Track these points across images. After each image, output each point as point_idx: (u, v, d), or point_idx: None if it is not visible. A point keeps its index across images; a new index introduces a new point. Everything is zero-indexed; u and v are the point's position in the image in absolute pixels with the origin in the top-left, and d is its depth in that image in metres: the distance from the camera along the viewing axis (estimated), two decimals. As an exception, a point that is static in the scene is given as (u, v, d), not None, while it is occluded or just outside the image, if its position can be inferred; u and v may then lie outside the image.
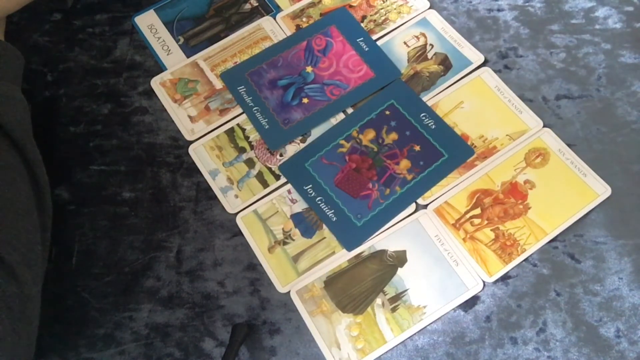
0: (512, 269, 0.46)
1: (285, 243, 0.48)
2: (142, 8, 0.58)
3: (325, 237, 0.48)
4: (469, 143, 0.50)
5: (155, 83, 0.54)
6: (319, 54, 0.54)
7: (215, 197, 0.49)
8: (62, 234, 0.48)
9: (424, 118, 0.51)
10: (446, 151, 0.50)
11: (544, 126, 0.50)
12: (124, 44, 0.56)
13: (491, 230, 0.47)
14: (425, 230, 0.47)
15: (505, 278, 0.46)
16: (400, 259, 0.46)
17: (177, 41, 0.56)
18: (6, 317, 0.34)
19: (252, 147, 0.51)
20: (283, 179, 0.50)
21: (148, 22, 0.57)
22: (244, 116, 0.52)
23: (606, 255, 0.46)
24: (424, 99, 0.52)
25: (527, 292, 0.45)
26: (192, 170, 0.51)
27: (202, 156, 0.51)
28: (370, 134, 0.51)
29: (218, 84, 0.54)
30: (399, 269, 0.46)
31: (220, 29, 0.57)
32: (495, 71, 0.53)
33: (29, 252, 0.38)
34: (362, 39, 0.55)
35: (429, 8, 0.56)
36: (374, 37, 0.55)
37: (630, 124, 0.51)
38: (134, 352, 0.45)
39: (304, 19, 0.57)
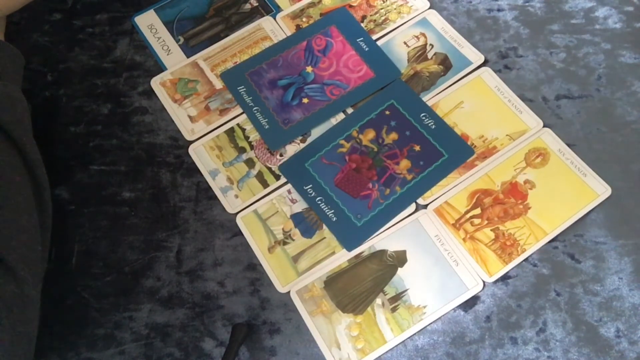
0: (512, 269, 0.46)
1: (285, 243, 0.48)
2: (142, 8, 0.58)
3: (325, 237, 0.48)
4: (469, 143, 0.50)
5: (155, 83, 0.54)
6: (319, 54, 0.54)
7: (215, 197, 0.49)
8: (62, 234, 0.48)
9: (424, 118, 0.51)
10: (446, 151, 0.50)
11: (544, 126, 0.50)
12: (124, 44, 0.56)
13: (491, 230, 0.47)
14: (425, 230, 0.47)
15: (505, 278, 0.46)
16: (400, 259, 0.46)
17: (177, 41, 0.56)
18: (6, 317, 0.34)
19: (252, 147, 0.51)
20: (283, 179, 0.50)
21: (148, 22, 0.57)
22: (244, 116, 0.52)
23: (606, 255, 0.46)
24: (424, 99, 0.52)
25: (527, 292, 0.45)
26: (192, 170, 0.51)
27: (202, 156, 0.51)
28: (370, 134, 0.51)
29: (218, 84, 0.54)
30: (399, 269, 0.46)
31: (220, 29, 0.57)
32: (495, 71, 0.53)
33: (29, 252, 0.38)
34: (362, 39, 0.55)
35: (429, 8, 0.56)
36: (374, 37, 0.55)
37: (630, 124, 0.51)
38: (134, 352, 0.45)
39: (304, 19, 0.57)
